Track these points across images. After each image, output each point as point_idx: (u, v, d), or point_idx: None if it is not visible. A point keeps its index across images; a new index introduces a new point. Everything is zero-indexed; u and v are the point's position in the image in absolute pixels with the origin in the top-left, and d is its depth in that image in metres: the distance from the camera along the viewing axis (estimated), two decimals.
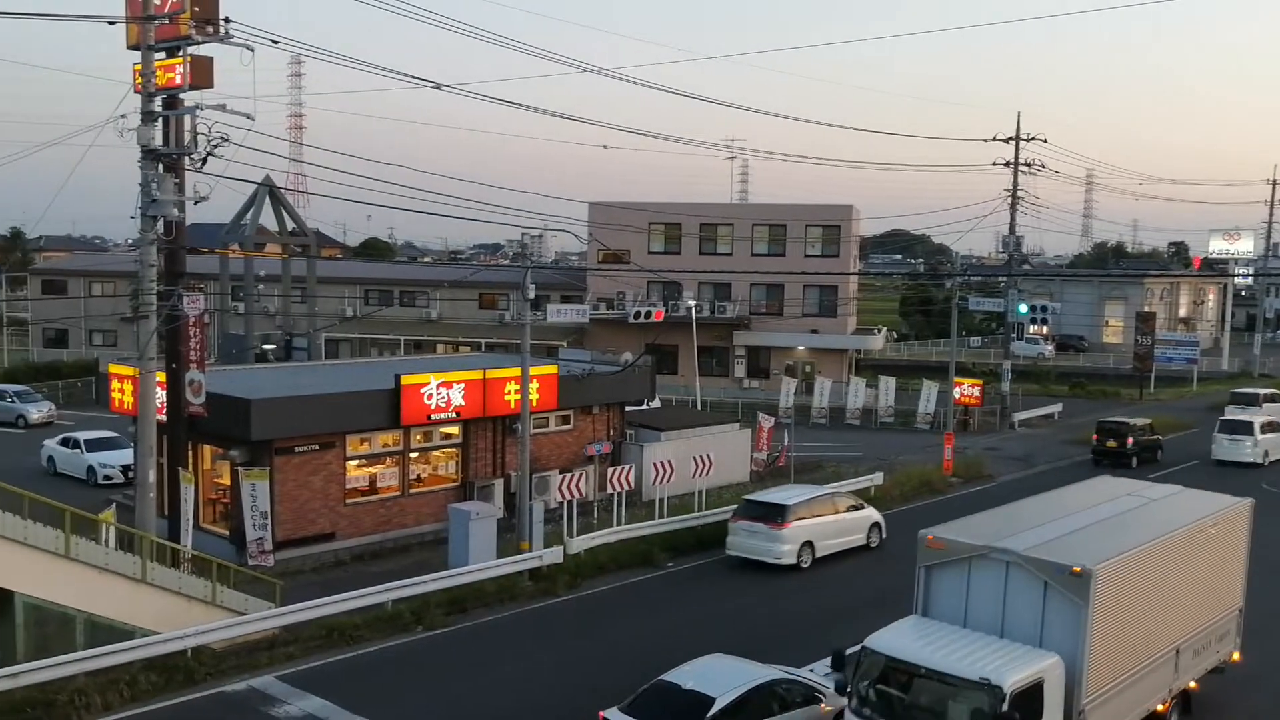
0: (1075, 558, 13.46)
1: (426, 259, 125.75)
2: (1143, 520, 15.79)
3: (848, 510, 26.33)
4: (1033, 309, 57.43)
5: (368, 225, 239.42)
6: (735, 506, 25.91)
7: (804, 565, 24.66)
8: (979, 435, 45.99)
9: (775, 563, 24.29)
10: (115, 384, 26.84)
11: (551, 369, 29.92)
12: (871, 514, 26.88)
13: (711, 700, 13.63)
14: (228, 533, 25.00)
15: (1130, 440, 38.79)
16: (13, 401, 45.50)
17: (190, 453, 23.94)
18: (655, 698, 14.13)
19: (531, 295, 25.05)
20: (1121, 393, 60.42)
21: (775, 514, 24.46)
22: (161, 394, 21.61)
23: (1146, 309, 71.44)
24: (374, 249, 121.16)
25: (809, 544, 24.78)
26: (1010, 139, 49.84)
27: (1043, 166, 50.50)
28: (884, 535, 26.79)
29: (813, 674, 15.92)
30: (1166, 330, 76.65)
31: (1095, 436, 39.90)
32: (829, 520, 25.47)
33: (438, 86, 24.18)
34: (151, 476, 20.19)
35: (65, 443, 35.20)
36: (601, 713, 14.31)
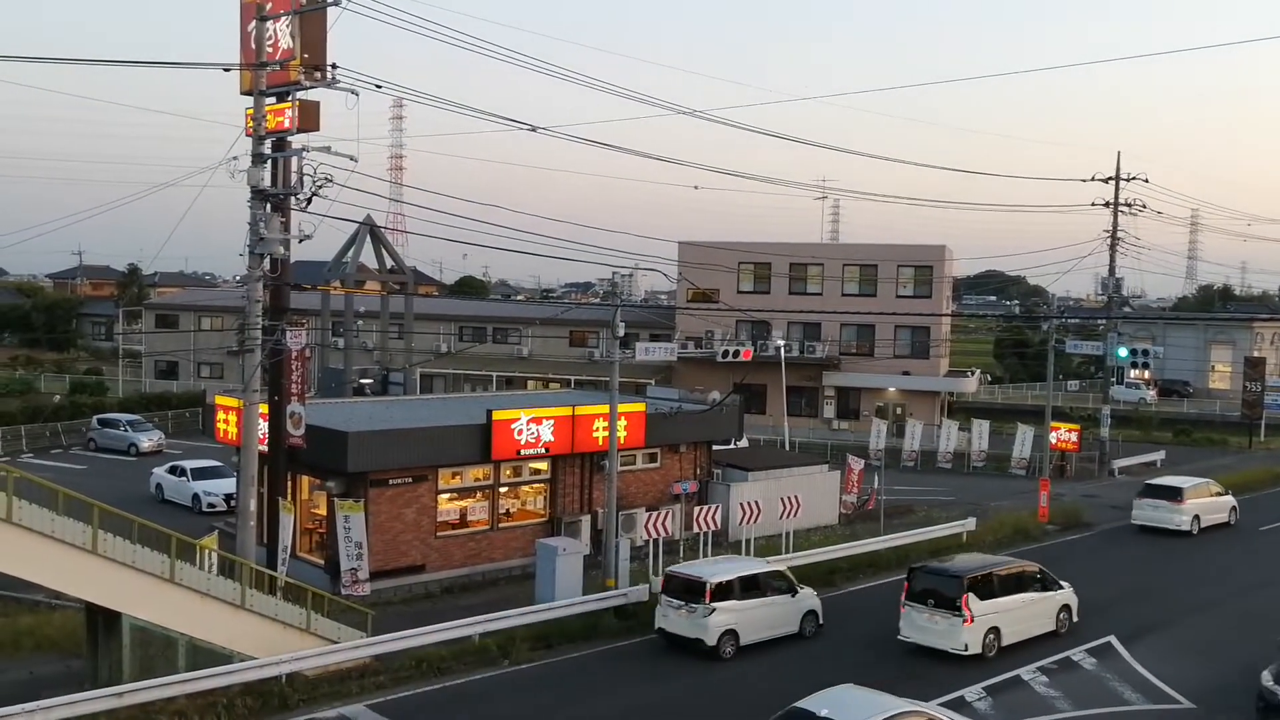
0: None
1: (519, 297, 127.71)
2: None
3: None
4: (1133, 353, 55.47)
5: (463, 264, 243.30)
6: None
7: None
8: (1076, 482, 44.69)
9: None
10: (221, 415, 27.82)
11: (639, 406, 30.09)
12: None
13: None
14: (323, 562, 25.61)
15: None
16: (125, 430, 47.43)
17: (289, 483, 24.65)
18: None
19: (621, 333, 25.28)
20: (1229, 440, 58.18)
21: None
22: (264, 425, 22.33)
23: (1256, 354, 68.78)
24: (469, 287, 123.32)
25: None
26: (1110, 179, 48.71)
27: (1144, 207, 49.11)
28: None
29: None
30: (1278, 376, 73.71)
31: None
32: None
33: (533, 129, 24.69)
34: (252, 505, 20.84)
35: (173, 471, 36.52)
36: None
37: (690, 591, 21.03)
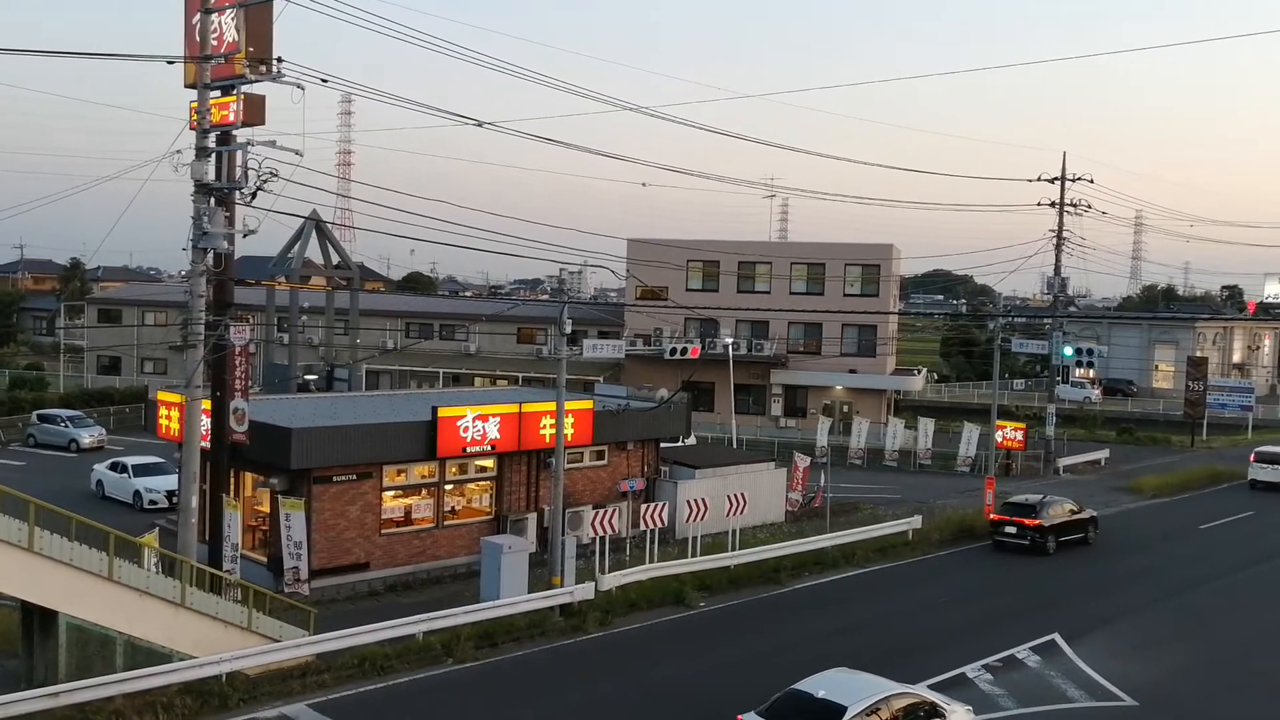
0: None
1: (467, 293, 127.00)
2: None
3: None
4: (1078, 352, 56.51)
5: (411, 259, 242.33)
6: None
7: None
8: (1022, 480, 45.41)
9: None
10: (163, 410, 27.41)
11: (587, 404, 30.14)
12: None
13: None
14: (266, 559, 25.37)
15: None
16: (66, 426, 46.53)
17: (233, 479, 24.38)
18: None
19: (569, 330, 25.27)
20: (1172, 439, 59.35)
21: None
22: (206, 421, 22.09)
23: (1198, 353, 70.35)
24: (416, 283, 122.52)
25: None
26: (1056, 179, 49.55)
27: (1089, 207, 49.94)
28: None
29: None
30: (1220, 376, 75.47)
31: None
32: None
33: (479, 124, 24.68)
34: (194, 502, 20.60)
35: (114, 467, 35.93)
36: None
37: (1275, 461, 43.36)
